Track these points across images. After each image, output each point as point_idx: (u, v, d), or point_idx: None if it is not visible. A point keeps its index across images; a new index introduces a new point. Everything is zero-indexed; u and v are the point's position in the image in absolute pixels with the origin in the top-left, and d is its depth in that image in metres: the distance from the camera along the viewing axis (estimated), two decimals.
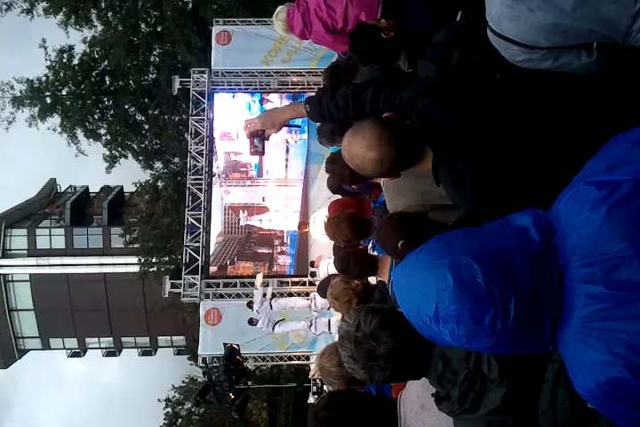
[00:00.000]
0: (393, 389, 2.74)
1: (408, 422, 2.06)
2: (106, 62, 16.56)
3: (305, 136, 12.99)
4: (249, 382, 11.36)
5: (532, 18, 1.63)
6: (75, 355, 25.49)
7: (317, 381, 10.98)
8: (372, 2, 3.46)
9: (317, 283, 11.49)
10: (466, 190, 1.78)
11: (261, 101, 13.02)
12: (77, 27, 16.23)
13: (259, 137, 2.81)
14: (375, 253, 3.89)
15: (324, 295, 4.37)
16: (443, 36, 2.58)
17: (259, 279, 10.69)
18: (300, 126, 3.83)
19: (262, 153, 2.93)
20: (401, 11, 3.23)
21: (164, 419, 22.67)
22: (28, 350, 24.63)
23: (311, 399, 12.29)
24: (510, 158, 1.72)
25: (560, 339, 1.25)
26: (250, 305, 10.38)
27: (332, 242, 4.52)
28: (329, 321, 9.51)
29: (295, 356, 12.81)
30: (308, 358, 12.89)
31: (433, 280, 1.28)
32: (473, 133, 1.77)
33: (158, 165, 17.54)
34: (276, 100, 13.00)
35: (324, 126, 4.16)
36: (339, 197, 5.49)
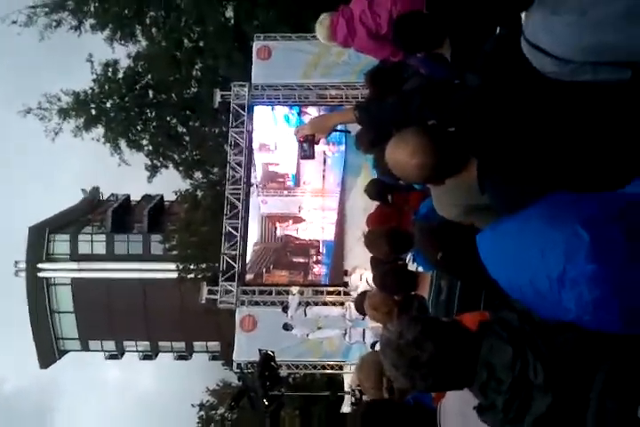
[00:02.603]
0: (434, 399, 2.63)
1: None
2: (149, 76, 17.03)
3: (342, 148, 13.18)
4: (282, 390, 11.49)
5: (567, 32, 1.60)
6: (112, 357, 25.95)
7: (356, 392, 11.02)
8: (415, 3, 3.45)
9: (352, 293, 11.66)
10: (512, 198, 1.77)
11: (300, 114, 13.29)
12: (122, 42, 16.79)
13: (308, 141, 2.93)
14: (414, 265, 3.86)
15: (361, 311, 4.24)
16: (489, 47, 2.58)
17: (294, 288, 10.98)
18: (349, 132, 3.89)
19: (312, 157, 3.04)
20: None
21: (198, 422, 22.93)
22: (68, 351, 25.18)
23: (345, 409, 12.33)
24: (558, 167, 1.73)
25: None
26: (285, 310, 10.58)
27: (368, 252, 4.56)
28: (363, 331, 9.62)
29: (329, 365, 12.88)
30: (341, 367, 12.92)
31: (561, 238, 1.13)
32: (518, 142, 1.79)
33: (198, 175, 17.90)
34: (314, 114, 13.19)
35: (364, 135, 4.11)
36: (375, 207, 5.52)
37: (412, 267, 3.89)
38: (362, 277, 10.11)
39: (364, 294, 4.49)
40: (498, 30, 2.76)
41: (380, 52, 3.91)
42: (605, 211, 1.17)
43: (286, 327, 10.66)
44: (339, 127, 3.04)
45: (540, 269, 1.19)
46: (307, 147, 2.97)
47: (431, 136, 1.90)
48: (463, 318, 1.98)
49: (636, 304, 1.12)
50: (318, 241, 13.65)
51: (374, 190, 4.79)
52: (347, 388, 12.82)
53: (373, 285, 4.14)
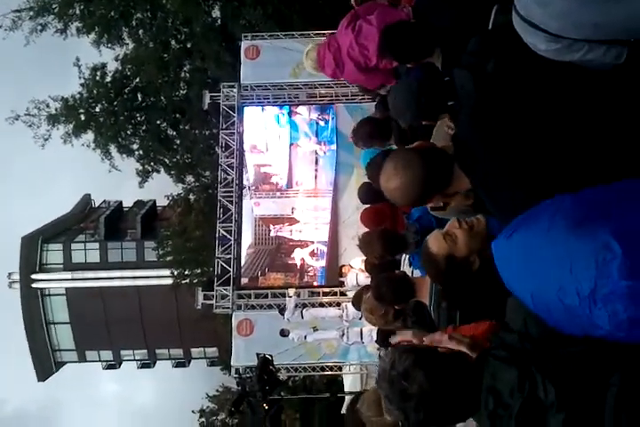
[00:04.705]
0: None
1: None
2: (137, 79, 16.89)
3: (334, 147, 13.08)
4: (282, 393, 11.34)
5: (561, 5, 1.52)
6: (110, 367, 25.85)
7: None
8: None
9: (347, 293, 11.53)
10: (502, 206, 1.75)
11: (290, 114, 13.17)
12: (109, 45, 16.61)
13: None
14: (411, 268, 3.80)
15: (358, 308, 4.26)
16: (476, 43, 2.52)
17: (291, 290, 10.86)
18: None
19: None
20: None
21: None
22: (65, 363, 25.02)
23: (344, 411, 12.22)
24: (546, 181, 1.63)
25: None
26: (282, 312, 10.46)
27: (363, 254, 4.41)
28: (361, 331, 9.52)
29: (327, 366, 12.77)
30: (340, 368, 12.85)
31: (590, 250, 1.04)
32: (501, 154, 1.72)
33: (190, 178, 17.74)
34: (304, 113, 13.14)
35: (361, 128, 4.12)
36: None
37: (407, 270, 3.82)
38: (357, 277, 10.04)
39: (362, 290, 4.38)
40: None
41: (370, 82, 3.91)
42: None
43: (283, 333, 10.56)
44: None
45: (569, 283, 1.09)
46: None
47: (406, 157, 1.85)
48: (463, 329, 1.97)
49: None
50: (312, 242, 13.52)
51: (366, 194, 4.64)
52: (346, 389, 12.70)
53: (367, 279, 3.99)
